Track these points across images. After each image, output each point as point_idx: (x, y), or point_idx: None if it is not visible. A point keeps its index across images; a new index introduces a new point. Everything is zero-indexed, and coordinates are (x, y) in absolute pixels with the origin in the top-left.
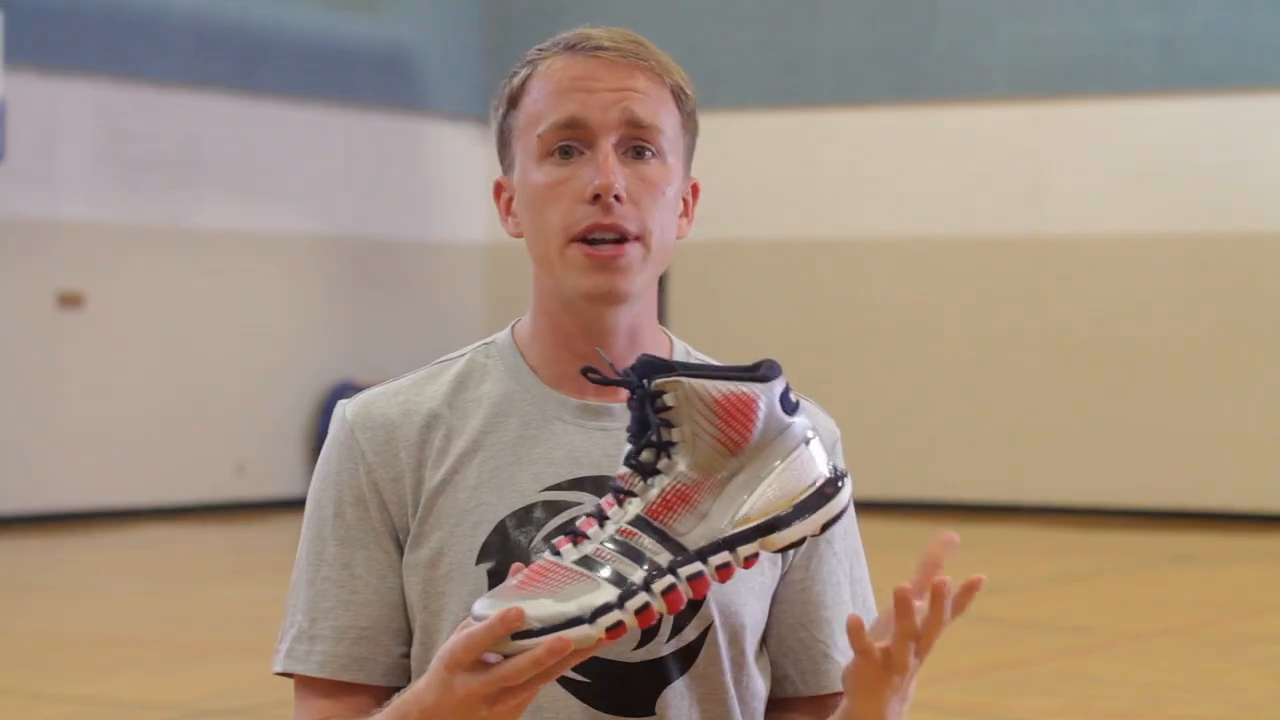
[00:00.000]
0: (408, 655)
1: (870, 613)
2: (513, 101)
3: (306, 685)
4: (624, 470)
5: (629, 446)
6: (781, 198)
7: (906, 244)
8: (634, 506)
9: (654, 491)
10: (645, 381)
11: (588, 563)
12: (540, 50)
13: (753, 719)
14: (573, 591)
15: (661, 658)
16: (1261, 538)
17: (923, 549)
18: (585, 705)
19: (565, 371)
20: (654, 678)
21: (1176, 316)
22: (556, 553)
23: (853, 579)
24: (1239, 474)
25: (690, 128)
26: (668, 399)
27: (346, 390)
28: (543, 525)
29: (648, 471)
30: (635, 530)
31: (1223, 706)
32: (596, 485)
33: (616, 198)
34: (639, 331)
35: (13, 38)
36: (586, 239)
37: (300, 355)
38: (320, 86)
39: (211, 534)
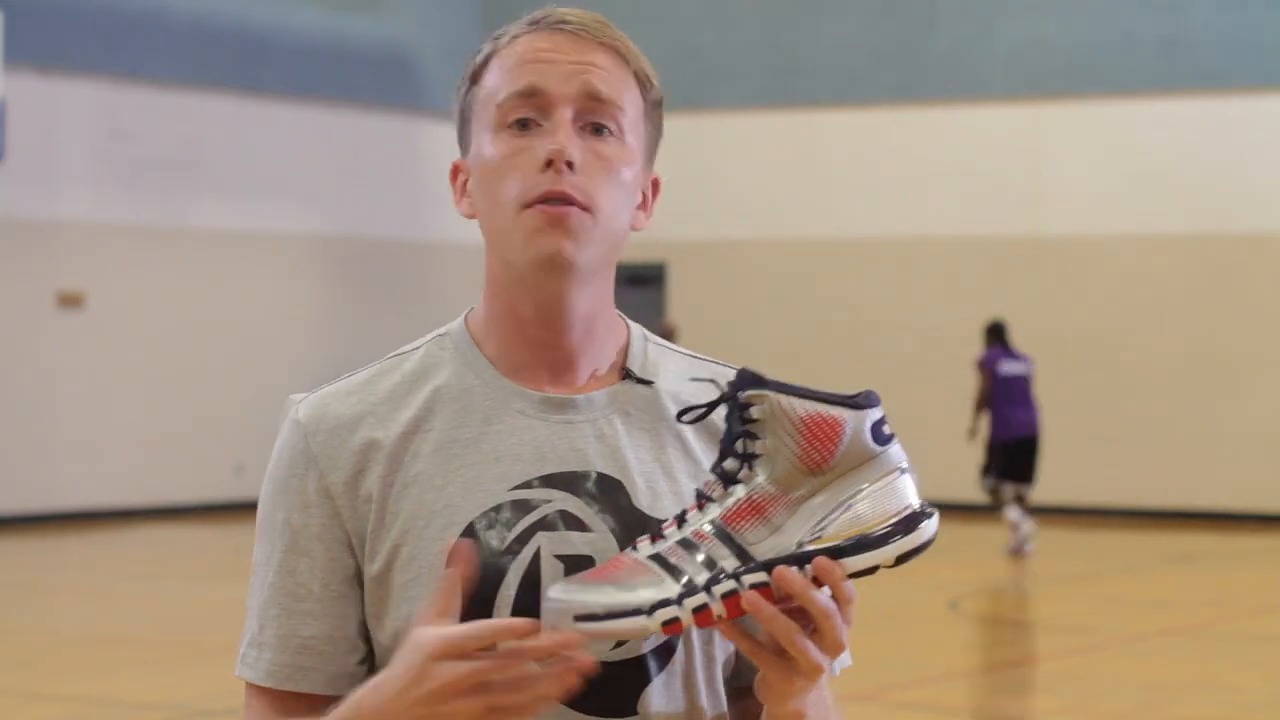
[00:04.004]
0: (361, 663)
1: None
2: (474, 79)
3: (254, 691)
4: (710, 477)
5: (719, 455)
6: (781, 198)
7: (906, 244)
8: (711, 512)
9: (731, 500)
10: (737, 393)
11: (658, 559)
12: (505, 29)
13: None
14: (638, 583)
15: (642, 655)
16: (1261, 538)
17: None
18: (570, 710)
19: (523, 362)
20: (636, 677)
21: (1176, 316)
22: (635, 548)
23: None
24: (1239, 474)
25: (654, 118)
26: (755, 412)
27: None
28: (512, 525)
29: (729, 480)
30: (708, 534)
31: (1223, 706)
32: (565, 481)
33: (569, 164)
34: (595, 319)
35: (13, 38)
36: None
37: (300, 355)
38: (320, 86)
39: (211, 534)
